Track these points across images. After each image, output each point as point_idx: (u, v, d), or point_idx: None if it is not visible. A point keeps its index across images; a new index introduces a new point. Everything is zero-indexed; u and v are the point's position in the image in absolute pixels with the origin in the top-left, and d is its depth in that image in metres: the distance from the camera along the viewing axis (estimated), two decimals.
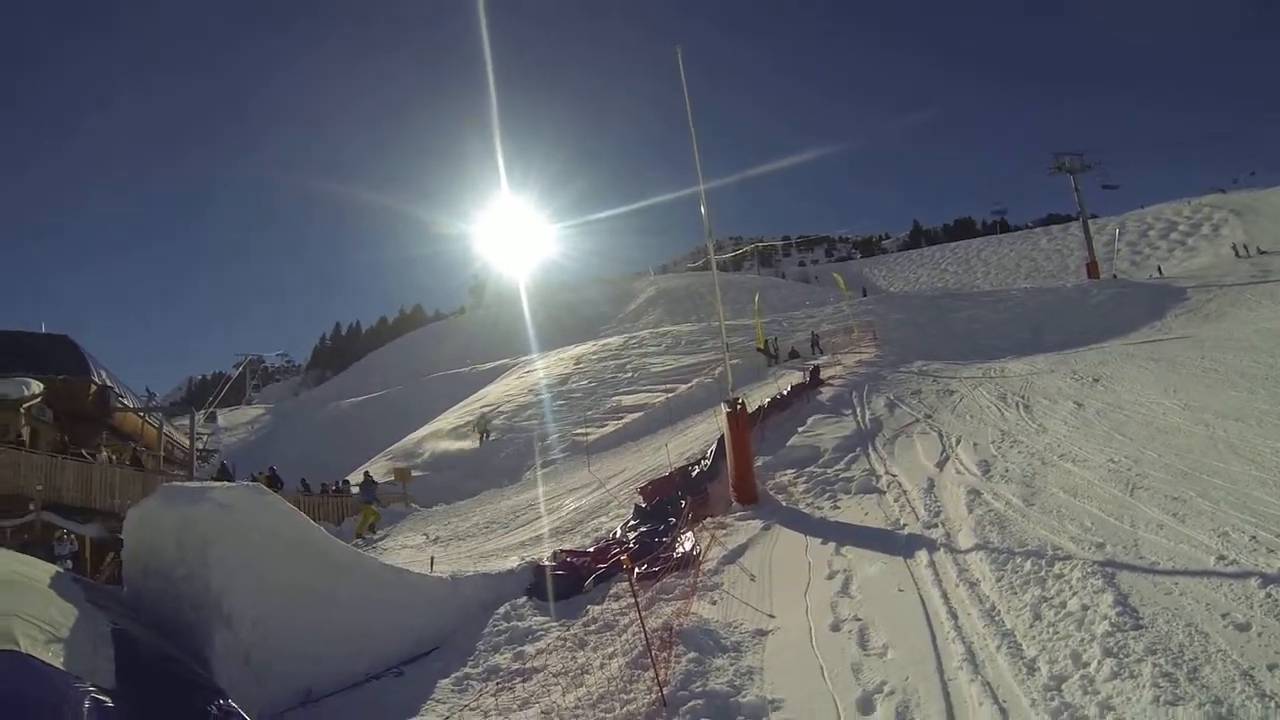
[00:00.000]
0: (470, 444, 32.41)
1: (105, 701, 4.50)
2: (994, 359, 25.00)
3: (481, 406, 38.05)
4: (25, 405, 20.27)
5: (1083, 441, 11.60)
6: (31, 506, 17.47)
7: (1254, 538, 6.47)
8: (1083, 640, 5.46)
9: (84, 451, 21.11)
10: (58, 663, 4.85)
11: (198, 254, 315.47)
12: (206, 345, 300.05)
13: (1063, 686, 4.98)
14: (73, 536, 16.78)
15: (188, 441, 29.03)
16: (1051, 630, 5.74)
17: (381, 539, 18.65)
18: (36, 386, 20.90)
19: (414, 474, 29.26)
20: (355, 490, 25.22)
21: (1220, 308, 30.49)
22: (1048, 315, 34.82)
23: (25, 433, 19.95)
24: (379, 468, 31.04)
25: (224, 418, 69.70)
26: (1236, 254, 48.75)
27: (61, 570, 7.62)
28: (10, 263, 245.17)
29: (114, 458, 22.74)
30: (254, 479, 24.99)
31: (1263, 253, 45.75)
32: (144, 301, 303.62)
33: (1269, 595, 5.44)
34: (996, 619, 6.17)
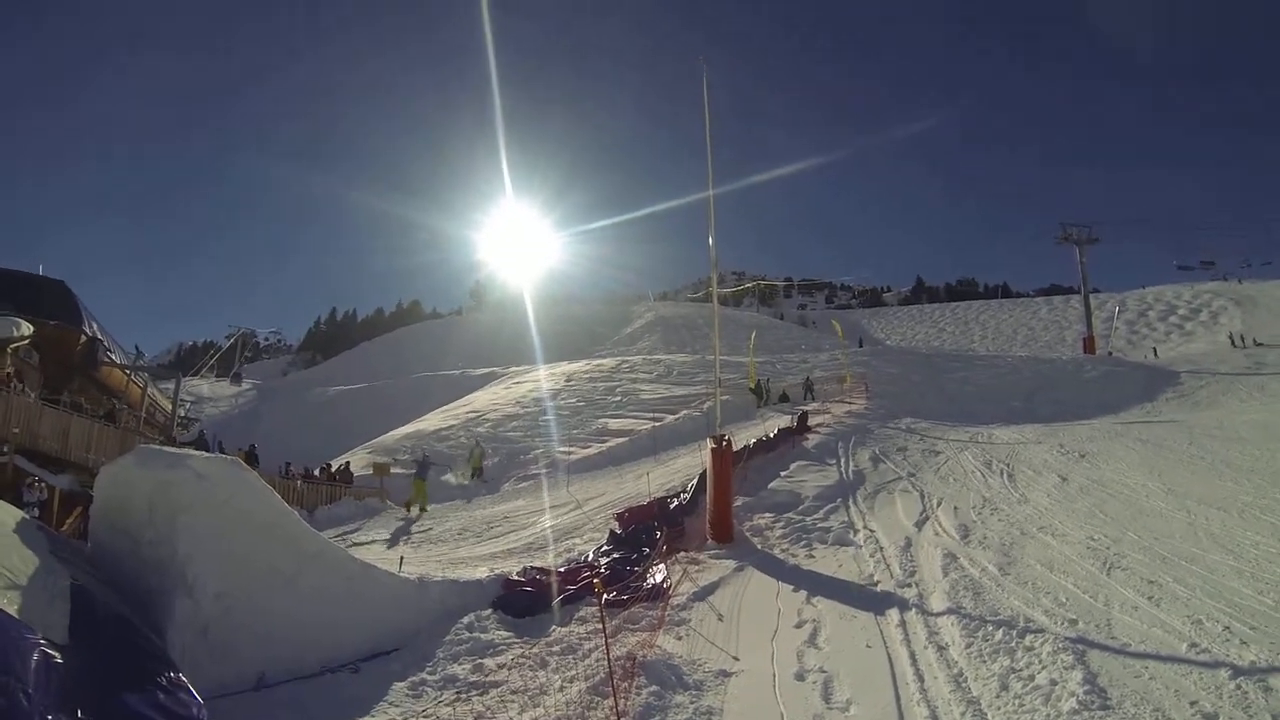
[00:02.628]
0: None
1: (55, 657, 4.45)
2: (983, 424, 25.00)
3: (467, 413, 37.87)
4: (13, 346, 20.07)
5: (1064, 516, 11.57)
6: (5, 449, 17.21)
7: (1227, 628, 6.45)
8: (1048, 716, 5.44)
9: (67, 401, 20.87)
10: (12, 610, 4.79)
11: (204, 220, 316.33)
12: (201, 312, 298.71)
13: None
14: (43, 485, 16.53)
15: (170, 405, 28.87)
16: (1018, 702, 5.70)
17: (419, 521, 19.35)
18: (26, 328, 20.66)
19: (392, 470, 29.04)
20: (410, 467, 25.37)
21: (1212, 395, 30.51)
22: (1040, 385, 34.83)
23: (9, 374, 19.73)
24: (358, 460, 30.79)
25: (209, 388, 69.45)
26: (1233, 343, 48.82)
27: (28, 518, 7.53)
28: (14, 205, 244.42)
29: (90, 409, 22.45)
30: (212, 444, 24.94)
31: (1259, 344, 45.82)
32: (145, 259, 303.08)
33: (1239, 687, 5.42)
34: (963, 685, 6.13)
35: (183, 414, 35.06)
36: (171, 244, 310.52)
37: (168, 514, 6.99)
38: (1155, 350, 57.10)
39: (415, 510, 20.66)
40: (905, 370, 38.03)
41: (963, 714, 5.66)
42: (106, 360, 25.61)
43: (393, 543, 16.61)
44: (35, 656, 4.29)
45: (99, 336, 25.23)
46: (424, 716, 6.04)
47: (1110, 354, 52.88)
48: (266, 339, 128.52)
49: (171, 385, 29.62)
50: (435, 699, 6.85)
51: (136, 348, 39.12)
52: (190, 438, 30.90)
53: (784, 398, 32.68)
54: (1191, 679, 5.67)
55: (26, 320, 21.03)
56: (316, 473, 26.90)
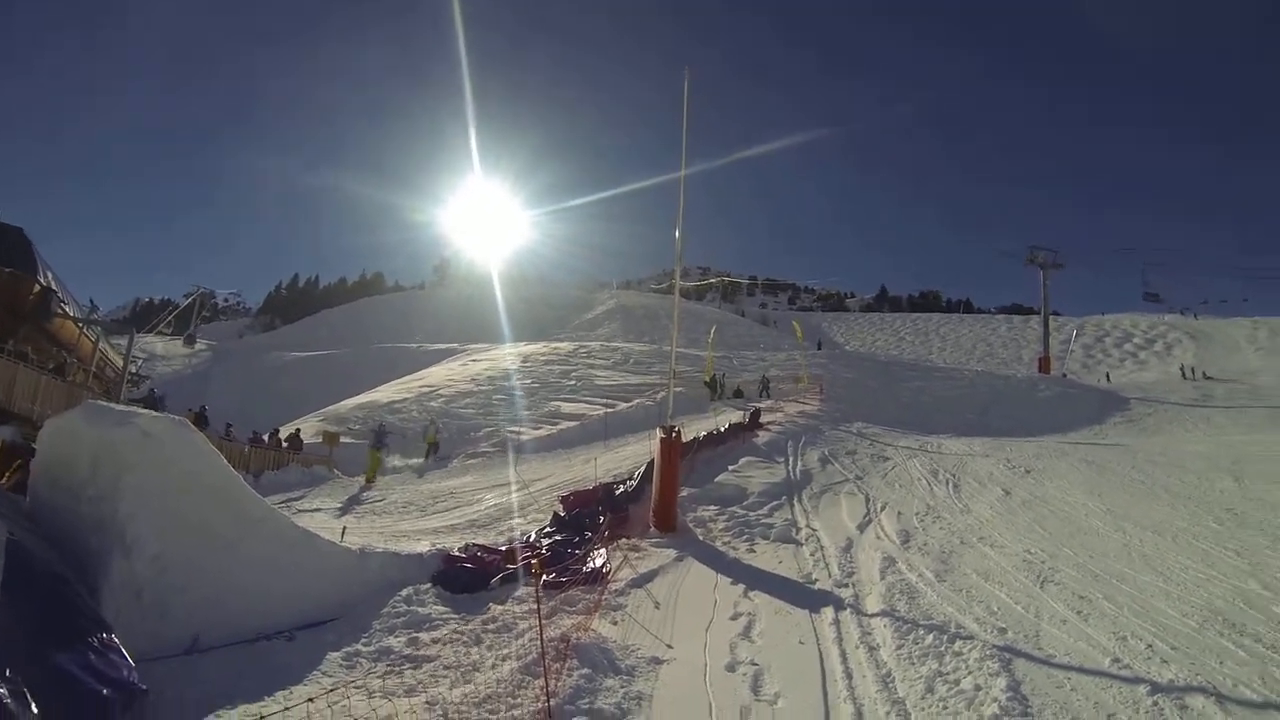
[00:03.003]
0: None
1: None
2: (934, 434, 25.28)
3: (421, 387, 37.60)
4: None
5: (1004, 528, 11.70)
6: None
7: (1150, 646, 6.55)
8: (970, 719, 5.48)
9: (13, 350, 20.39)
10: None
11: (169, 181, 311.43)
12: (161, 269, 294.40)
13: None
14: None
15: (121, 362, 28.35)
16: (942, 705, 5.75)
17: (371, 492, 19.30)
18: None
19: (342, 440, 28.81)
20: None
21: (1159, 423, 31.09)
22: (993, 401, 35.29)
23: None
24: (309, 427, 30.54)
25: (163, 346, 68.42)
26: (1184, 375, 49.83)
27: None
28: None
29: (39, 361, 21.98)
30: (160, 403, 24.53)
31: (1209, 378, 46.83)
32: (106, 211, 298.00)
33: (1155, 704, 5.51)
34: (890, 686, 6.17)
35: (134, 371, 34.38)
36: (135, 201, 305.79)
37: (111, 472, 6.84)
38: (1108, 375, 58.11)
39: (368, 479, 20.86)
40: (862, 376, 38.40)
41: (887, 713, 5.70)
42: (59, 312, 25.04)
43: (343, 511, 16.55)
44: None
45: (53, 287, 24.66)
46: (356, 687, 5.97)
47: (1065, 375, 53.60)
48: (226, 300, 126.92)
49: (125, 341, 29.07)
50: (368, 670, 6.78)
51: (91, 301, 38.31)
52: (140, 395, 30.41)
53: (738, 393, 32.76)
54: (1112, 693, 5.75)
55: None
56: (265, 438, 26.63)
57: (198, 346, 72.97)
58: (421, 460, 25.23)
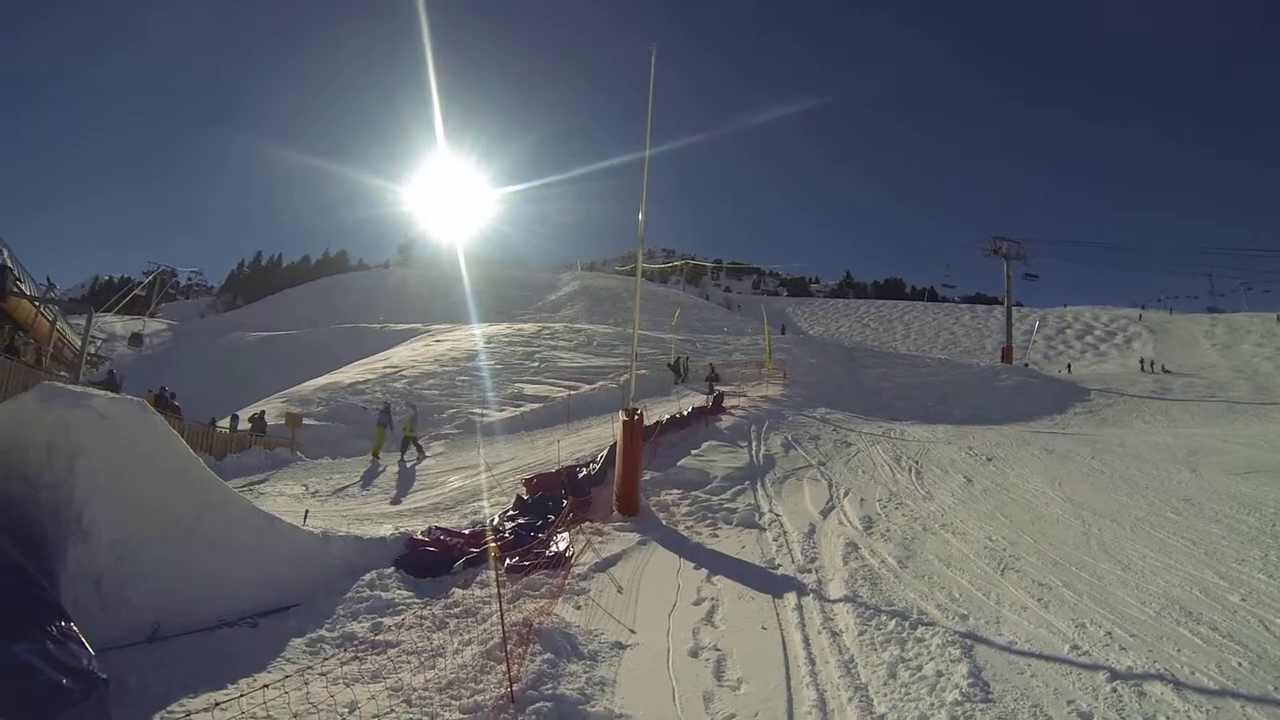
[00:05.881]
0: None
1: None
2: (897, 420, 25.51)
3: (385, 368, 37.28)
4: None
5: (965, 515, 11.80)
6: None
7: (1109, 633, 6.61)
8: (931, 705, 5.49)
9: None
10: None
11: (126, 153, 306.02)
12: (119, 247, 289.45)
13: None
14: None
15: (79, 342, 27.80)
16: (904, 690, 5.76)
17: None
18: None
19: (305, 422, 28.48)
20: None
21: (1118, 414, 31.56)
22: (956, 389, 35.63)
23: None
24: (272, 409, 30.15)
25: (122, 326, 67.36)
26: (1143, 368, 50.64)
27: None
28: None
29: None
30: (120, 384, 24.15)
31: (1166, 371, 47.66)
32: (61, 187, 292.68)
33: (1114, 690, 5.56)
34: (853, 671, 6.18)
35: (93, 352, 33.80)
36: (93, 176, 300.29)
37: (67, 455, 6.68)
38: (1069, 366, 58.86)
39: (374, 455, 20.93)
40: (826, 361, 38.62)
41: (850, 699, 5.70)
42: (15, 290, 24.48)
43: (365, 485, 17.03)
44: None
45: (8, 264, 24.09)
46: (318, 674, 5.88)
47: (1026, 365, 54.31)
48: (188, 279, 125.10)
49: (83, 321, 28.50)
50: (331, 655, 6.69)
51: (48, 279, 37.46)
52: (99, 378, 29.90)
53: (713, 376, 32.25)
54: (1071, 679, 5.80)
55: None
56: (223, 423, 26.30)
57: (159, 326, 71.95)
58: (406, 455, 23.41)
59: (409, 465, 19.44)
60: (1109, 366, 58.52)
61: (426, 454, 20.73)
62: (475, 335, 45.09)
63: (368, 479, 17.57)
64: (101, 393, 8.19)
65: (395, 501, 14.84)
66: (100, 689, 4.66)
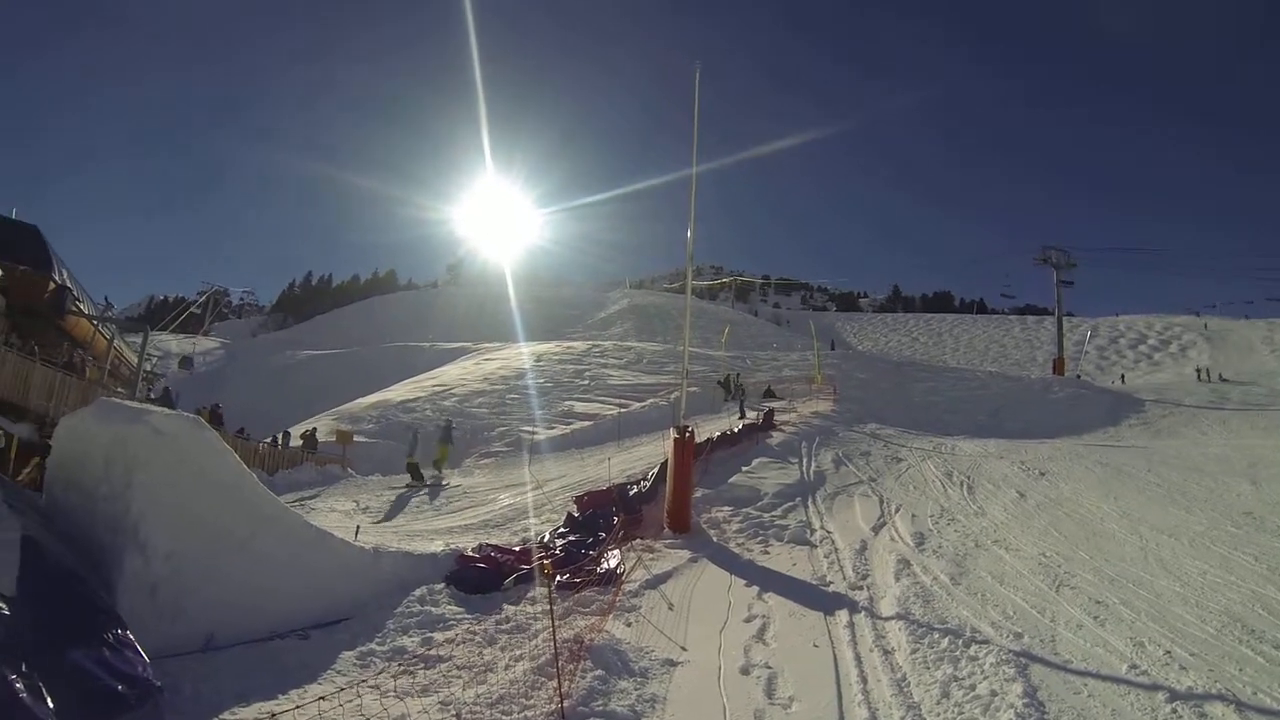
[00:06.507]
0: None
1: (1, 609, 4.37)
2: (947, 435, 25.20)
3: (434, 386, 37.64)
4: None
5: (1019, 531, 11.66)
6: None
7: (1169, 652, 6.51)
8: None
9: (30, 348, 20.54)
10: None
11: (183, 180, 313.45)
12: (174, 266, 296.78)
13: None
14: (1, 433, 16.28)
15: (136, 359, 28.45)
16: (957, 710, 5.73)
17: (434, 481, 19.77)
18: None
19: (355, 439, 28.85)
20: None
21: (1174, 425, 30.84)
22: (1007, 402, 35.10)
23: None
24: (323, 426, 30.59)
25: (177, 344, 68.74)
26: (1199, 377, 49.32)
27: None
28: None
29: (54, 358, 22.12)
30: (175, 401, 24.69)
31: (1224, 380, 46.38)
32: (121, 210, 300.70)
33: (1174, 711, 5.47)
34: (905, 690, 6.15)
35: (149, 369, 34.57)
36: (149, 199, 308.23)
37: (124, 469, 6.88)
38: (1123, 377, 57.63)
39: (441, 471, 21.18)
40: (875, 376, 38.27)
41: (902, 717, 5.68)
42: (74, 309, 25.18)
43: (433, 496, 17.53)
44: None
45: (68, 285, 24.80)
46: (369, 686, 5.98)
47: (1079, 377, 53.31)
48: (240, 298, 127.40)
49: (139, 339, 29.22)
50: (382, 669, 6.79)
51: (106, 299, 38.36)
52: (156, 394, 30.59)
53: (769, 393, 32.10)
54: (1129, 700, 5.72)
55: None
56: (271, 441, 26.74)
57: (212, 345, 73.32)
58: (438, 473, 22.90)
59: (446, 483, 19.64)
60: (1164, 376, 57.24)
61: (428, 482, 19.95)
62: (525, 353, 45.34)
63: (434, 492, 17.86)
64: (158, 409, 8.43)
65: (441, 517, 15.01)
66: (155, 696, 4.82)
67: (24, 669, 4.16)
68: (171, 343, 68.53)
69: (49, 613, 4.83)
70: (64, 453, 7.68)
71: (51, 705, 4.11)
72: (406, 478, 19.55)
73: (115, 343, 28.13)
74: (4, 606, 4.42)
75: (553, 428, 29.75)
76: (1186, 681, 5.94)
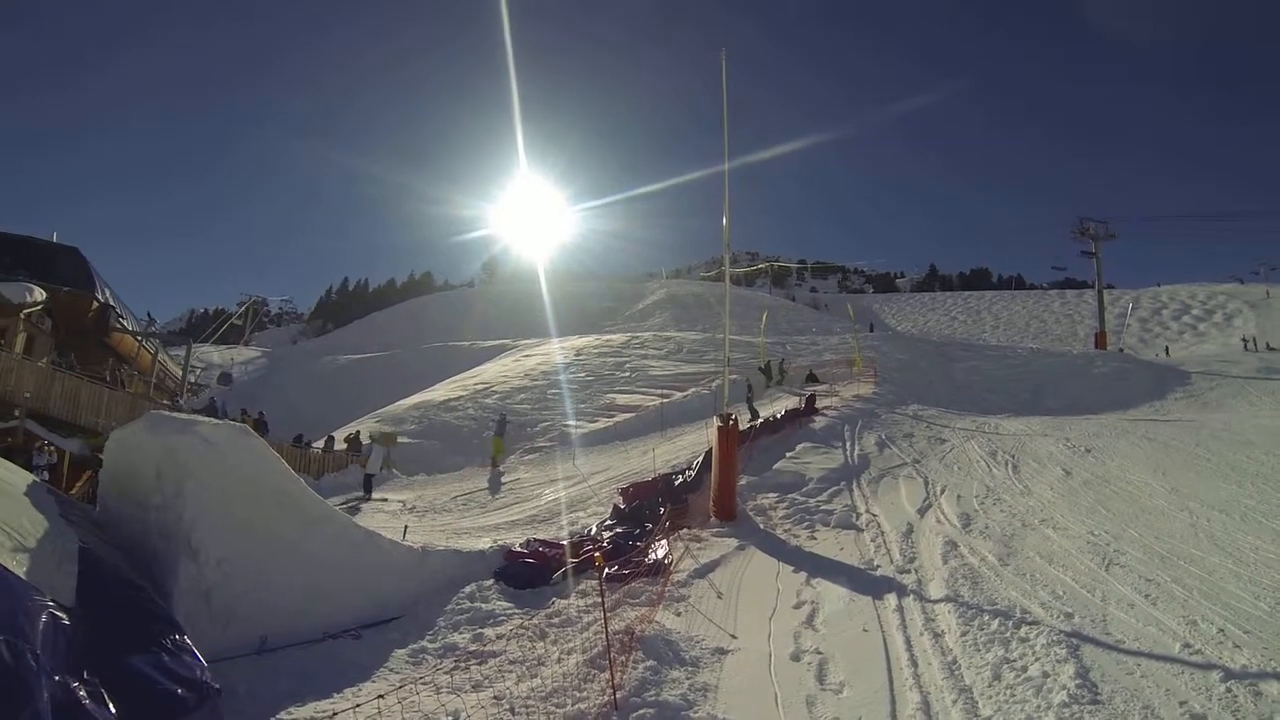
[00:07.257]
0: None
1: (62, 619, 4.53)
2: (990, 414, 24.96)
3: (476, 384, 37.84)
4: (26, 311, 20.28)
5: (1066, 510, 11.58)
6: (17, 413, 17.45)
7: (1222, 630, 6.48)
8: (1039, 707, 5.48)
9: (77, 366, 21.12)
10: (20, 572, 4.88)
11: (218, 190, 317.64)
12: (213, 279, 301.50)
13: None
14: (53, 449, 16.74)
15: (180, 372, 29.00)
16: (1009, 693, 5.76)
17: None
18: (39, 294, 20.93)
19: (400, 439, 29.12)
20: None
21: (1221, 398, 30.27)
22: (1049, 379, 34.64)
23: (21, 339, 19.94)
24: (366, 428, 30.91)
25: (219, 355, 69.61)
26: (1245, 346, 48.41)
27: (38, 480, 7.64)
28: (32, 175, 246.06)
29: (100, 375, 22.67)
30: (220, 411, 25.17)
31: (1271, 349, 45.46)
32: (158, 226, 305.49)
33: (1229, 690, 5.46)
34: (956, 673, 6.19)
35: (193, 380, 35.19)
36: (186, 213, 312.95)
37: (174, 479, 7.09)
38: (1167, 349, 56.63)
39: (500, 463, 22.17)
40: (915, 357, 37.91)
41: (954, 701, 5.72)
42: (118, 326, 25.81)
43: (492, 491, 17.99)
44: (43, 618, 4.38)
45: (111, 303, 25.40)
46: (423, 683, 6.12)
47: (1121, 350, 52.49)
48: (279, 307, 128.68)
49: (182, 352, 29.77)
50: (435, 666, 6.95)
51: (149, 314, 39.07)
52: (200, 404, 31.16)
53: (811, 378, 32.03)
54: (1183, 679, 5.71)
55: (40, 286, 21.23)
56: (314, 445, 27.10)
57: (254, 354, 74.26)
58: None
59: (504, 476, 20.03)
60: (1209, 347, 56.22)
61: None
62: (565, 348, 45.43)
63: (494, 485, 18.13)
64: (206, 419, 8.65)
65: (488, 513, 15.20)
66: (213, 698, 4.99)
67: (86, 676, 4.33)
68: (214, 354, 69.32)
69: (108, 621, 4.99)
70: (116, 464, 7.92)
71: (114, 711, 4.28)
72: (452, 475, 19.84)
73: (159, 357, 28.70)
74: (65, 616, 4.56)
75: (595, 421, 29.83)
76: (1241, 660, 5.91)
